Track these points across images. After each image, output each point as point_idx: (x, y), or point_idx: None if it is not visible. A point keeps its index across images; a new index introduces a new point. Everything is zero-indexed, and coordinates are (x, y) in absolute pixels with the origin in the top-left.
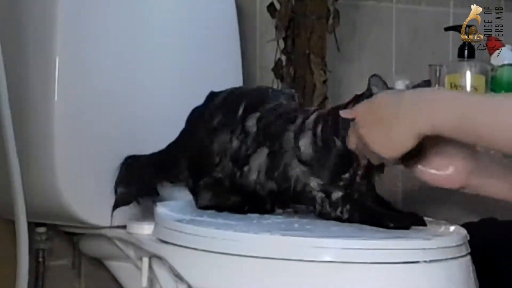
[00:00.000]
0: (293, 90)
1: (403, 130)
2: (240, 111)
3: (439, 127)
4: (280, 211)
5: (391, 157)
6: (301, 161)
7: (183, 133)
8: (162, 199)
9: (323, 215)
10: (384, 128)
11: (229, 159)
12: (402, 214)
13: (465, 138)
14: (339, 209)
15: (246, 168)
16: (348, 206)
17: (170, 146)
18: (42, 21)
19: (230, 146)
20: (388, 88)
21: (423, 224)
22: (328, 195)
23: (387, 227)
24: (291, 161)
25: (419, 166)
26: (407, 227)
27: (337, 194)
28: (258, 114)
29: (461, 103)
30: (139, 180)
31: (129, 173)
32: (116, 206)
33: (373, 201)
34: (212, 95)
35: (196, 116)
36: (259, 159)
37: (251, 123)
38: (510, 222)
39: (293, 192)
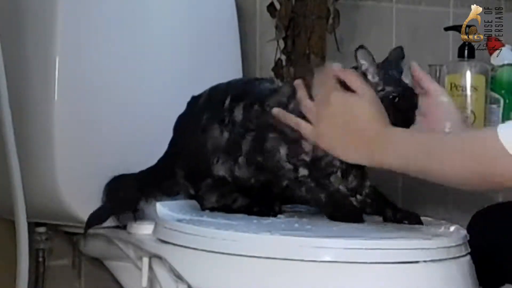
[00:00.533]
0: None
1: (358, 156)
2: (227, 103)
3: (390, 168)
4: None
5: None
6: (275, 130)
7: (172, 143)
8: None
9: (290, 189)
10: (345, 139)
11: (225, 151)
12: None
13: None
14: (304, 187)
15: (241, 160)
16: (312, 184)
17: (161, 160)
18: (42, 21)
19: (222, 140)
20: (375, 62)
21: (420, 222)
22: (295, 168)
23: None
24: (267, 135)
25: None
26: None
27: (303, 171)
28: (243, 102)
29: (411, 153)
30: (118, 198)
31: (111, 194)
32: (87, 228)
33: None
34: (193, 99)
35: (184, 122)
36: (247, 145)
37: (238, 112)
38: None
39: (269, 163)
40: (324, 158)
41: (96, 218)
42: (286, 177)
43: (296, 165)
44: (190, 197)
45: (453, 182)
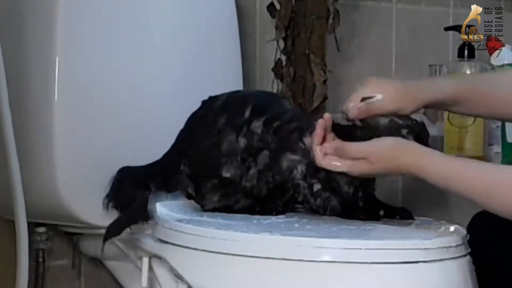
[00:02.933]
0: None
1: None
2: (247, 114)
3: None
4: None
5: None
6: (291, 151)
7: (181, 139)
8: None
9: (306, 203)
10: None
11: (239, 158)
12: (373, 208)
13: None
14: (319, 199)
15: (252, 171)
16: (327, 194)
17: (167, 155)
18: (42, 21)
19: (237, 146)
20: None
21: (411, 217)
22: (310, 185)
23: (358, 218)
24: (285, 155)
25: None
26: (378, 219)
27: (317, 186)
28: (264, 117)
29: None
30: (129, 203)
31: (119, 191)
32: (105, 239)
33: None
34: (210, 99)
35: (196, 121)
36: (263, 160)
37: (258, 124)
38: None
39: (283, 181)
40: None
41: (114, 230)
42: (301, 193)
43: (311, 183)
44: (188, 196)
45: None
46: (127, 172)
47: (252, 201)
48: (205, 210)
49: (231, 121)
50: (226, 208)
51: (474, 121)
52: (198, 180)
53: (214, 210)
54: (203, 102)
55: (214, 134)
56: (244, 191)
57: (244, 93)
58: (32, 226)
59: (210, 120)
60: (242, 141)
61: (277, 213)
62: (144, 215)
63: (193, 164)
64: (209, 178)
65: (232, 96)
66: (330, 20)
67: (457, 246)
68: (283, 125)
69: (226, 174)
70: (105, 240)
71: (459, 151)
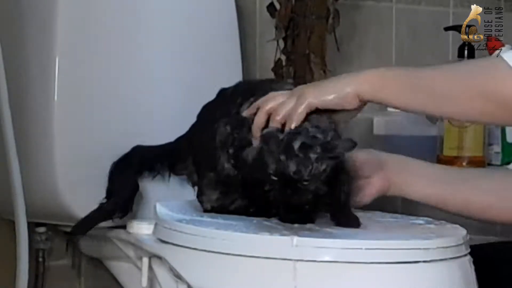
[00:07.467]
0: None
1: (344, 85)
2: (239, 100)
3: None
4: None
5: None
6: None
7: (191, 129)
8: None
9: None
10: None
11: (232, 149)
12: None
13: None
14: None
15: (249, 156)
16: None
17: (178, 139)
18: (42, 21)
19: (230, 137)
20: None
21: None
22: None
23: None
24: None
25: None
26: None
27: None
28: (252, 99)
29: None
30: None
31: (111, 183)
32: (73, 233)
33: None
34: (221, 91)
35: (206, 111)
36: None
37: (245, 108)
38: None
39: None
40: None
41: (84, 226)
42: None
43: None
44: (193, 184)
45: (453, 109)
46: (135, 152)
47: (247, 202)
48: (204, 211)
49: (226, 111)
50: (223, 208)
51: None
52: (200, 171)
53: (212, 210)
54: (220, 90)
55: (211, 126)
56: (239, 187)
57: (251, 81)
58: (32, 226)
59: (213, 111)
60: (228, 128)
61: (272, 215)
62: (119, 209)
63: (197, 154)
64: (208, 171)
65: (237, 86)
66: (330, 20)
67: (457, 246)
68: None
69: (222, 167)
70: (73, 234)
71: (459, 151)
